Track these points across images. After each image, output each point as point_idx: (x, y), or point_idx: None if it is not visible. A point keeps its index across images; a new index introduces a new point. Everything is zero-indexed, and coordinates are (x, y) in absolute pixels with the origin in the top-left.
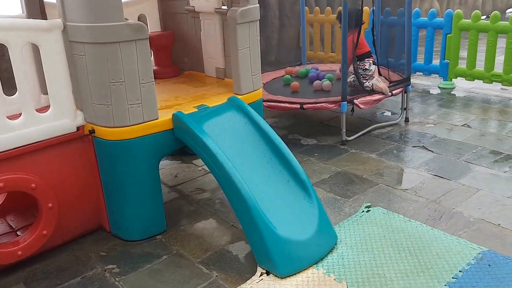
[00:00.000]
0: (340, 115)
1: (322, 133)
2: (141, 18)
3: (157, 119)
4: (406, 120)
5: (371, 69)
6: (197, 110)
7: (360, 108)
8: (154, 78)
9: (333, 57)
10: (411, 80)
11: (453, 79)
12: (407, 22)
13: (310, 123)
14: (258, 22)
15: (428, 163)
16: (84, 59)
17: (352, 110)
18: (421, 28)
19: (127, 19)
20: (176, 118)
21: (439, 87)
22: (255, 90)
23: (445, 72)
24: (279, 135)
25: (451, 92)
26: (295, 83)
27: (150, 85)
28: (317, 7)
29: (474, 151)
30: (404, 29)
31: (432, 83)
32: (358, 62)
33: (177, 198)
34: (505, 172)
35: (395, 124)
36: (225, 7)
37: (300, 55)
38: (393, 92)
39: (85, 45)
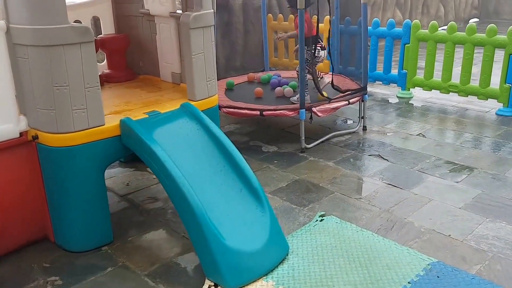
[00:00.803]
0: (300, 122)
1: (283, 140)
2: (95, 20)
3: (103, 125)
4: (364, 128)
5: (321, 55)
6: (147, 116)
7: (318, 116)
8: (107, 82)
9: (297, 64)
10: (371, 89)
11: (411, 89)
12: (363, 32)
13: (272, 129)
14: (212, 28)
15: (383, 172)
16: (27, 62)
17: (311, 118)
18: (381, 38)
19: (79, 21)
20: (124, 124)
21: (397, 96)
22: (210, 97)
23: (403, 81)
24: (240, 142)
25: (409, 102)
26: (258, 89)
27: (96, 90)
28: (280, 14)
29: (428, 161)
30: None
31: (391, 92)
32: (306, 48)
33: (127, 208)
34: (457, 182)
35: (353, 132)
36: (180, 12)
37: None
38: (350, 100)
39: (28, 48)
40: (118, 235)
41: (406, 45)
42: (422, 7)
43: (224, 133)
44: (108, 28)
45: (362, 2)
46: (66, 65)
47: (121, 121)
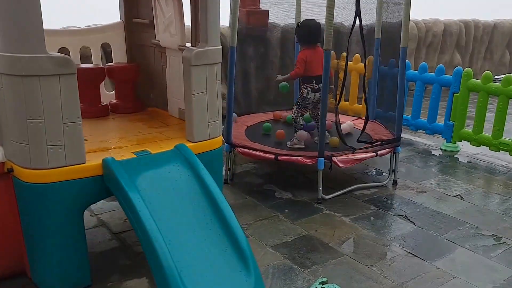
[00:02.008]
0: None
1: (300, 186)
2: (106, 47)
3: (84, 163)
4: (394, 183)
5: (309, 97)
6: (135, 156)
7: (339, 166)
8: (113, 112)
9: (346, 105)
10: (412, 138)
11: (457, 142)
12: (399, 78)
13: (291, 174)
14: (219, 66)
15: (405, 237)
16: (1, 91)
17: (330, 167)
18: (428, 84)
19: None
20: (105, 164)
21: (441, 149)
22: (212, 139)
23: (449, 133)
24: (254, 184)
25: (454, 156)
26: (280, 131)
27: (76, 126)
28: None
29: (461, 228)
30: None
31: (434, 144)
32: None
33: (115, 248)
34: (490, 258)
35: (382, 186)
36: (189, 45)
37: None
38: (378, 152)
39: (3, 76)
40: (98, 278)
41: (455, 94)
42: (485, 52)
43: (240, 172)
44: (119, 56)
45: (401, 45)
46: (41, 97)
47: (103, 160)
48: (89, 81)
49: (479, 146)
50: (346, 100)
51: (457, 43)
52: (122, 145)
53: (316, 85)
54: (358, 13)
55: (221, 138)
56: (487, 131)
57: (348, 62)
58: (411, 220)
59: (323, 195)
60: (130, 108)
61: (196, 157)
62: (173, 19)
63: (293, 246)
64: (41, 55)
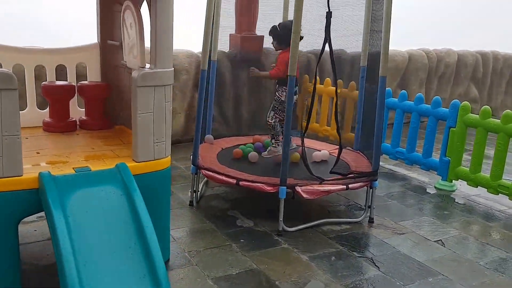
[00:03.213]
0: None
1: (266, 214)
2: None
3: (21, 175)
4: (371, 220)
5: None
6: (74, 172)
7: (303, 197)
8: (82, 129)
9: (327, 131)
10: (406, 172)
11: (453, 181)
12: (378, 108)
13: (262, 200)
14: (170, 88)
15: (363, 284)
16: None
17: (293, 197)
18: (423, 116)
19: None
20: (40, 178)
21: (435, 187)
22: (158, 159)
23: (445, 171)
24: (218, 209)
25: (450, 196)
26: (237, 150)
27: (15, 139)
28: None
29: (431, 279)
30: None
31: (430, 180)
32: (277, 89)
33: None
34: None
35: (356, 222)
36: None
37: (296, 121)
38: (350, 185)
39: None
40: None
41: (452, 128)
42: (506, 86)
43: (209, 195)
44: (93, 76)
45: (380, 74)
46: None
47: (39, 174)
48: (58, 98)
49: (477, 186)
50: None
51: (473, 75)
52: (69, 160)
53: (294, 87)
54: (327, 39)
55: (167, 160)
56: (486, 171)
57: (319, 85)
58: (376, 264)
59: (285, 227)
60: (97, 125)
61: (132, 178)
62: (135, 41)
63: (236, 280)
64: None
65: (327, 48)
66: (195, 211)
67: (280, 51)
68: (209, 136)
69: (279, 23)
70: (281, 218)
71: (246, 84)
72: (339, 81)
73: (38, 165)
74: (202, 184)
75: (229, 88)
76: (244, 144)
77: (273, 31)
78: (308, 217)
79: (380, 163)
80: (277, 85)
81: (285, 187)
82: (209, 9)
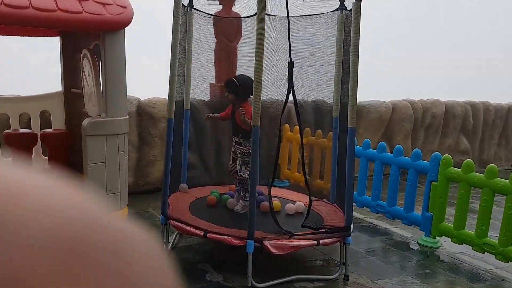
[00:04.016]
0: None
1: (238, 268)
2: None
3: None
4: (346, 278)
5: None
6: None
7: (272, 252)
8: None
9: (308, 181)
10: (389, 227)
11: (437, 237)
12: (348, 161)
13: (234, 251)
14: (123, 136)
15: None
16: None
17: (261, 251)
18: (403, 169)
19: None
20: None
21: (418, 243)
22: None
23: (428, 226)
24: (188, 261)
25: (434, 253)
26: (211, 197)
27: None
28: (296, 127)
29: None
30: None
31: (413, 236)
32: (243, 143)
33: None
34: None
35: (330, 279)
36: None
37: (278, 170)
38: (321, 241)
39: None
40: None
41: (433, 182)
42: (499, 138)
43: (182, 246)
44: (58, 123)
45: (348, 125)
46: None
47: None
48: (19, 146)
49: (461, 244)
50: (309, 175)
51: (463, 126)
52: None
53: None
54: (290, 90)
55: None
56: (471, 226)
57: (289, 133)
58: None
59: (255, 283)
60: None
61: None
62: (93, 89)
63: None
64: None
65: (291, 97)
66: None
67: (239, 105)
68: (183, 185)
69: (234, 78)
70: (249, 274)
71: (227, 132)
72: (307, 129)
73: None
74: (175, 234)
75: (210, 136)
76: (223, 194)
77: (231, 85)
78: (280, 272)
79: (361, 216)
80: (241, 139)
81: (253, 241)
82: (172, 59)
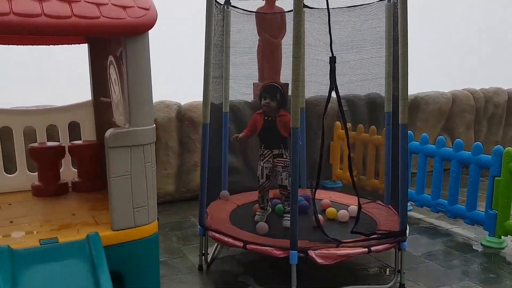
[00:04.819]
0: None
1: (283, 280)
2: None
3: None
4: (401, 286)
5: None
6: (39, 245)
7: (318, 263)
8: (75, 191)
9: (362, 180)
10: (450, 227)
11: (502, 237)
12: (401, 157)
13: (279, 264)
14: (149, 146)
15: None
16: None
17: (306, 262)
18: (464, 164)
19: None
20: None
21: (482, 244)
22: (138, 227)
23: (492, 225)
24: (230, 274)
25: (500, 254)
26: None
27: None
28: (349, 123)
29: None
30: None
31: (477, 236)
32: (285, 154)
33: None
34: None
35: None
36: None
37: (329, 172)
38: (372, 248)
39: None
40: None
41: (496, 178)
42: None
43: (224, 257)
44: (87, 135)
45: (400, 122)
46: None
47: None
48: (46, 160)
49: None
50: (363, 174)
51: None
52: (42, 229)
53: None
54: (333, 87)
55: (153, 226)
56: None
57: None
58: None
59: None
60: (90, 187)
61: (102, 251)
62: (119, 98)
63: None
64: None
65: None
66: (203, 276)
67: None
68: (224, 192)
69: (274, 87)
70: (294, 286)
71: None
72: (360, 126)
73: (4, 237)
74: (216, 244)
75: (254, 138)
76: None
77: (275, 91)
78: (329, 282)
79: (420, 216)
80: (283, 150)
81: (296, 251)
82: (206, 61)
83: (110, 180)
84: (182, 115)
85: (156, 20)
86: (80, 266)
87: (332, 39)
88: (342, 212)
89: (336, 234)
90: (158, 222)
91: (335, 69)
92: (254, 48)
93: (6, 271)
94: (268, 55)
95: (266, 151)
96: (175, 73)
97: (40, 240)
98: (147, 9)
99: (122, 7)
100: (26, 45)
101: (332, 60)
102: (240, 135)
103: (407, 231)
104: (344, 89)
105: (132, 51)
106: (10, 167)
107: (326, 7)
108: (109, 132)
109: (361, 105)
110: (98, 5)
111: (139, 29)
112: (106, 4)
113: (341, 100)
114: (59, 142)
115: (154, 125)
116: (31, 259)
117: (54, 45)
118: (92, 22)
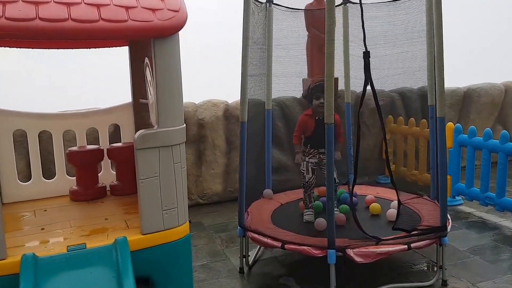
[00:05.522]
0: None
1: (325, 282)
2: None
3: (4, 259)
4: (444, 283)
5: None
6: (65, 252)
7: (356, 261)
8: (112, 194)
9: (415, 175)
10: (498, 220)
11: None
12: (439, 152)
13: (323, 265)
14: (178, 147)
15: None
16: None
17: (344, 262)
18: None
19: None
20: (21, 261)
21: None
22: (168, 229)
23: None
24: (271, 276)
25: None
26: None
27: None
28: (401, 117)
29: None
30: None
31: None
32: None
33: None
34: None
35: (425, 287)
36: None
37: (383, 166)
38: (412, 245)
39: None
40: None
41: None
42: None
43: (266, 259)
44: (127, 137)
45: (437, 115)
46: None
47: (22, 256)
48: (83, 164)
49: None
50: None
51: None
52: (72, 236)
53: None
54: (368, 81)
55: (183, 228)
56: None
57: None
58: None
59: None
60: (127, 190)
61: (128, 256)
62: (154, 100)
63: None
64: None
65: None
66: (245, 279)
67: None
68: (267, 191)
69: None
70: (332, 287)
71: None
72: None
73: (32, 245)
74: (259, 245)
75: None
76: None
77: (316, 89)
78: (370, 280)
79: (470, 210)
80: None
81: (334, 250)
82: (244, 60)
83: (139, 183)
84: (229, 113)
85: (185, 22)
86: (105, 272)
87: (376, 34)
88: (391, 211)
89: (374, 231)
90: (190, 224)
91: (369, 63)
92: (299, 45)
93: (29, 280)
94: (318, 51)
95: (312, 150)
96: (225, 73)
97: (68, 246)
98: (176, 11)
99: (151, 9)
100: (67, 49)
101: (366, 55)
102: (297, 156)
103: (449, 226)
104: (389, 83)
105: (160, 52)
106: (48, 173)
107: (369, 1)
108: (137, 134)
109: (411, 98)
110: (127, 8)
111: (167, 31)
112: (135, 7)
113: (375, 95)
114: (97, 145)
115: (184, 125)
116: (56, 267)
117: (97, 48)
118: (118, 25)
